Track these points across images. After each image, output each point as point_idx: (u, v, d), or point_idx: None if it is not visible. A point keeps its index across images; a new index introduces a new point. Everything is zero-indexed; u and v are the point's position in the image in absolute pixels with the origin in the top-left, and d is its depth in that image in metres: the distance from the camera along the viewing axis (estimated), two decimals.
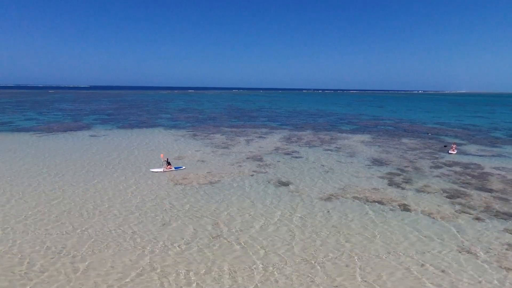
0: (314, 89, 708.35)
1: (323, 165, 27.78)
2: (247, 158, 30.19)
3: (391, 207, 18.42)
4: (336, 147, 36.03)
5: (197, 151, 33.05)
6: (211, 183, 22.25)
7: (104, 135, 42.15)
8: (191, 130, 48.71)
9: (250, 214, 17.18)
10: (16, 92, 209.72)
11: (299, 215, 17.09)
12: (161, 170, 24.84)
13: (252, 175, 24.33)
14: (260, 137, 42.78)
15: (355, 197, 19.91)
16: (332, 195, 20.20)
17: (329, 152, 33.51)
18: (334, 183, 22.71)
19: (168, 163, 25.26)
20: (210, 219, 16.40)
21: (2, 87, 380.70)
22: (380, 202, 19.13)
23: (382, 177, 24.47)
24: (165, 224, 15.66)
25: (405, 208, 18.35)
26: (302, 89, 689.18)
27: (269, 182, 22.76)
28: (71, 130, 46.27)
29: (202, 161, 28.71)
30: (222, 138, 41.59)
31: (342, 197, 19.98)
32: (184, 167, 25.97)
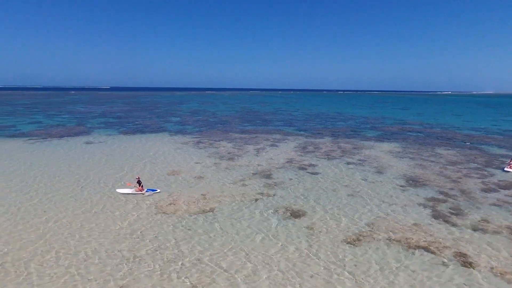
0: (334, 90, 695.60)
1: (345, 186, 22.60)
2: (254, 173, 25.40)
3: (444, 260, 13.14)
4: (360, 160, 30.63)
5: (197, 163, 28.56)
6: (203, 212, 17.59)
7: (100, 142, 38.46)
8: (197, 136, 44.43)
9: (242, 271, 12.37)
10: (37, 94, 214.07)
11: (314, 272, 12.12)
12: (130, 191, 20.22)
13: (256, 200, 19.51)
14: (272, 145, 37.89)
15: (390, 240, 14.73)
16: (360, 235, 15.09)
17: (352, 166, 28.20)
18: (361, 215, 17.55)
19: (139, 183, 20.40)
20: (183, 280, 11.71)
21: (27, 89, 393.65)
22: (427, 249, 13.88)
23: (422, 205, 19.09)
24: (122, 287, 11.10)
25: (465, 261, 13.02)
26: (321, 90, 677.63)
27: (276, 211, 17.87)
28: (69, 136, 42.96)
29: (200, 177, 24.17)
30: (229, 146, 36.99)
31: (373, 238, 14.84)
32: (159, 190, 20.77)
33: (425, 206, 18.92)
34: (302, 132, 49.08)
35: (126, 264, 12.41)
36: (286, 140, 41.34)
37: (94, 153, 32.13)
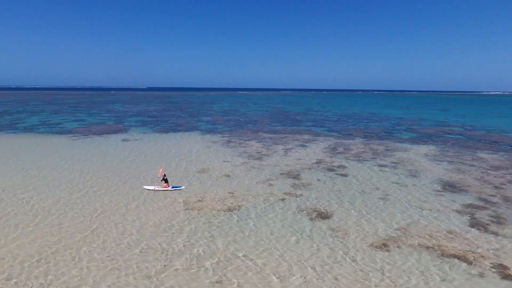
0: (369, 90, 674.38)
1: (376, 188, 21.87)
2: (281, 174, 25.33)
3: (481, 270, 12.31)
4: (393, 162, 29.47)
5: (225, 162, 29.02)
6: (229, 209, 17.85)
7: (135, 140, 40.30)
8: (227, 135, 45.13)
9: (265, 268, 12.39)
10: (82, 94, 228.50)
11: (337, 274, 11.87)
12: (153, 188, 20.76)
13: (282, 200, 19.46)
14: (301, 145, 37.55)
15: (423, 246, 14.04)
16: (389, 240, 14.54)
17: (384, 169, 27.22)
18: (392, 219, 16.90)
19: (165, 181, 21.03)
20: (212, 275, 11.95)
21: (73, 89, 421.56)
22: (462, 258, 13.07)
23: (459, 212, 17.99)
24: (150, 277, 11.58)
25: (506, 274, 12.10)
26: (356, 90, 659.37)
27: (302, 211, 17.70)
28: (107, 133, 45.46)
29: (228, 176, 24.53)
30: (258, 146, 37.17)
31: (404, 244, 14.23)
32: (184, 187, 21.29)
33: (462, 213, 17.82)
34: (332, 133, 48.14)
35: (165, 256, 12.89)
36: (315, 141, 40.77)
37: (131, 150, 33.73)
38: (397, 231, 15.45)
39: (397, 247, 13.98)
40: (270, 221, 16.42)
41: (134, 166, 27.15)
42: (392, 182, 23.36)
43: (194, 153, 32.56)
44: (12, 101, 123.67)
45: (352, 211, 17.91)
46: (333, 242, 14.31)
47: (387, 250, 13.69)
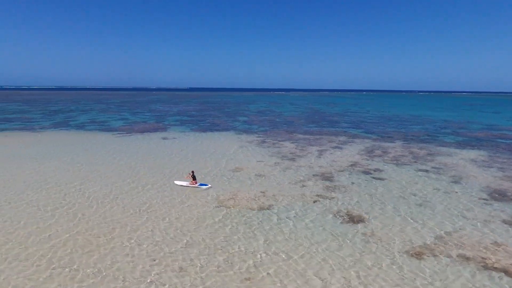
0: (413, 91, 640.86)
1: (414, 194, 20.89)
2: (315, 175, 25.08)
3: None
4: (435, 167, 27.91)
5: (259, 161, 29.32)
6: (260, 208, 18.08)
7: (174, 138, 42.04)
8: (261, 135, 45.50)
9: (293, 272, 12.41)
10: (126, 94, 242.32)
11: (372, 280, 11.58)
12: (185, 184, 21.92)
13: (314, 202, 19.29)
14: (336, 147, 36.83)
15: (464, 257, 13.21)
16: (427, 249, 13.87)
17: (424, 174, 25.89)
18: (430, 227, 16.07)
19: (193, 178, 21.91)
20: (241, 274, 12.22)
21: (119, 89, 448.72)
22: (508, 273, 12.12)
23: (508, 222, 16.65)
24: (182, 269, 12.12)
25: None
26: (399, 91, 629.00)
27: (335, 214, 17.43)
28: (148, 132, 47.90)
29: (261, 175, 24.79)
30: (292, 146, 37.06)
31: (443, 254, 13.49)
32: (209, 185, 21.90)
33: (511, 224, 16.46)
34: (370, 135, 46.58)
35: (208, 250, 13.42)
36: (351, 143, 39.75)
37: (170, 148, 35.33)
38: (436, 240, 14.68)
39: (435, 256, 13.29)
40: (300, 221, 16.38)
41: (173, 163, 28.38)
42: (434, 188, 22.15)
43: (229, 153, 33.27)
44: (65, 100, 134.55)
45: (387, 216, 17.30)
46: (365, 247, 13.95)
47: (423, 259, 13.07)
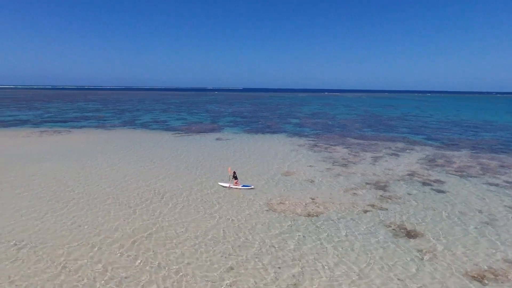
0: (488, 92, 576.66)
1: (479, 211, 19.15)
2: (367, 183, 24.30)
3: None
4: (508, 182, 25.15)
5: (310, 166, 29.24)
6: (309, 215, 18.15)
7: (227, 139, 43.70)
8: (313, 139, 45.10)
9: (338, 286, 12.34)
10: (185, 94, 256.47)
11: None
12: (227, 185, 22.64)
13: (366, 212, 18.77)
14: (392, 154, 35.07)
15: None
16: (489, 272, 12.76)
17: (493, 188, 23.52)
18: (497, 248, 14.69)
19: (235, 177, 22.63)
20: (288, 278, 12.53)
21: (180, 89, 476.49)
22: None
23: None
24: (231, 268, 12.83)
25: None
26: (470, 92, 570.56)
27: (387, 227, 16.80)
28: (204, 132, 50.43)
29: (311, 181, 24.75)
30: (345, 152, 36.18)
31: (508, 280, 12.30)
32: (252, 187, 22.60)
33: None
34: (432, 142, 43.36)
35: (281, 261, 13.58)
36: (410, 150, 37.47)
37: (222, 149, 36.91)
38: (501, 264, 13.40)
39: (498, 281, 12.18)
40: (350, 232, 16.11)
41: (225, 165, 29.67)
42: (504, 206, 20.06)
43: (280, 156, 33.68)
44: (132, 100, 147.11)
45: (447, 233, 16.18)
46: (420, 265, 13.29)
47: (485, 283, 12.08)
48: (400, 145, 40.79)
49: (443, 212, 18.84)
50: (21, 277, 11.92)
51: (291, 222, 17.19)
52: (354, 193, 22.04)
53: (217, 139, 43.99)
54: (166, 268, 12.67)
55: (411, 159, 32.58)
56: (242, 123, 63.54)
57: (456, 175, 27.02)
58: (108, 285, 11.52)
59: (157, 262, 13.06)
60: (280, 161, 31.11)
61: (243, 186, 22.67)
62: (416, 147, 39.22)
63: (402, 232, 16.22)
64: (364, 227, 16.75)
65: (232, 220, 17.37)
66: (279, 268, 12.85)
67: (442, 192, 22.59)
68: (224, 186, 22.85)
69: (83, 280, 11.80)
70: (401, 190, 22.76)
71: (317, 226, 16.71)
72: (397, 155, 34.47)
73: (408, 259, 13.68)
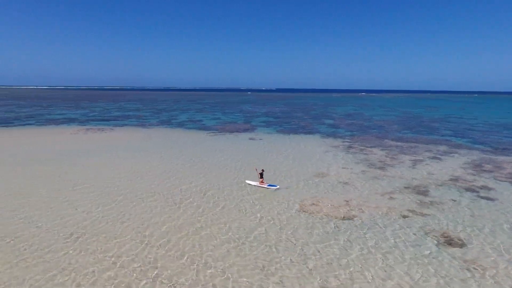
0: None
1: None
2: (406, 187, 23.20)
3: None
4: None
5: (344, 168, 28.49)
6: (343, 218, 17.67)
7: (260, 139, 43.84)
8: (348, 140, 43.92)
9: None
10: (219, 94, 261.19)
11: None
12: (255, 184, 22.91)
13: (404, 217, 17.91)
14: (434, 157, 33.18)
15: None
16: None
17: None
18: None
19: (261, 175, 22.74)
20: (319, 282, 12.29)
21: (214, 90, 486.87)
22: None
23: None
24: (264, 268, 12.82)
25: None
26: None
27: (427, 234, 15.89)
28: (237, 132, 51.02)
29: (345, 183, 24.10)
30: (381, 154, 34.83)
31: None
32: (278, 187, 22.38)
33: None
34: (478, 146, 40.43)
35: (310, 253, 13.96)
36: (454, 154, 35.22)
37: (254, 149, 37.12)
38: None
39: None
40: (386, 238, 15.46)
41: (259, 164, 29.79)
42: None
43: (313, 157, 33.18)
44: (168, 100, 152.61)
45: (494, 244, 14.97)
46: (464, 276, 12.42)
47: None
48: (442, 148, 38.49)
49: (491, 221, 17.45)
50: (79, 266, 12.71)
51: (333, 225, 16.80)
52: (391, 197, 21.13)
53: (250, 138, 44.31)
54: (213, 267, 12.72)
55: (455, 164, 30.60)
56: (275, 123, 63.46)
57: (506, 181, 24.94)
58: (158, 280, 11.94)
59: (203, 260, 13.19)
60: (314, 162, 30.63)
61: (268, 185, 22.66)
62: (461, 151, 36.78)
63: (443, 240, 15.26)
64: (402, 233, 15.97)
65: (273, 221, 17.24)
66: (325, 272, 12.52)
67: (490, 199, 20.96)
68: (251, 185, 23.05)
69: (133, 273, 12.20)
70: (443, 196, 21.44)
71: (349, 229, 16.21)
72: (439, 159, 32.54)
73: (451, 270, 12.83)
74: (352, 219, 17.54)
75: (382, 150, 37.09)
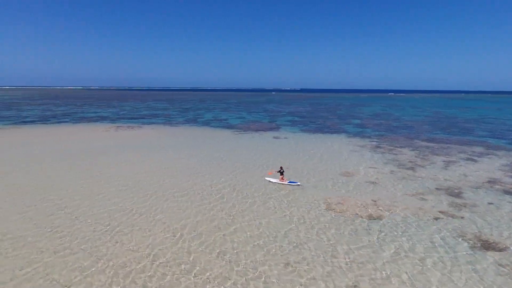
0: None
1: None
2: (438, 189, 22.20)
3: None
4: None
5: (371, 168, 27.72)
6: (370, 217, 17.18)
7: (285, 138, 43.64)
8: (375, 140, 42.71)
9: None
10: (243, 94, 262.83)
11: None
12: (275, 180, 23.00)
13: (436, 219, 17.14)
14: (468, 159, 31.53)
15: None
16: None
17: None
18: None
19: (281, 173, 22.71)
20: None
21: (239, 90, 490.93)
22: None
23: None
24: (288, 264, 12.72)
25: None
26: None
27: (462, 237, 15.11)
28: (262, 130, 51.07)
29: (373, 182, 23.44)
30: (411, 154, 33.56)
31: None
32: (299, 183, 22.31)
33: None
34: None
35: (343, 254, 13.92)
36: (490, 155, 33.28)
37: (278, 148, 37.00)
38: None
39: None
40: (418, 239, 14.85)
41: (284, 163, 29.65)
42: None
43: (339, 155, 32.56)
44: (194, 100, 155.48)
45: None
46: (504, 282, 11.69)
47: None
48: (478, 149, 36.48)
49: None
50: (115, 256, 13.27)
51: (363, 225, 16.41)
52: (422, 198, 20.29)
53: (275, 137, 44.20)
54: (244, 263, 12.71)
55: (491, 165, 28.91)
56: (300, 123, 62.92)
57: None
58: (192, 272, 12.23)
59: (235, 256, 13.21)
60: (341, 161, 30.04)
61: (289, 182, 22.62)
62: (498, 152, 34.69)
63: (479, 243, 14.44)
64: (434, 235, 15.27)
65: (302, 219, 17.05)
66: (359, 273, 12.21)
67: None
68: (271, 181, 23.12)
69: (166, 265, 12.51)
70: (479, 198, 20.31)
71: (377, 230, 15.73)
72: (474, 160, 30.87)
73: (488, 274, 12.12)
74: (381, 219, 17.03)
75: (412, 150, 35.74)
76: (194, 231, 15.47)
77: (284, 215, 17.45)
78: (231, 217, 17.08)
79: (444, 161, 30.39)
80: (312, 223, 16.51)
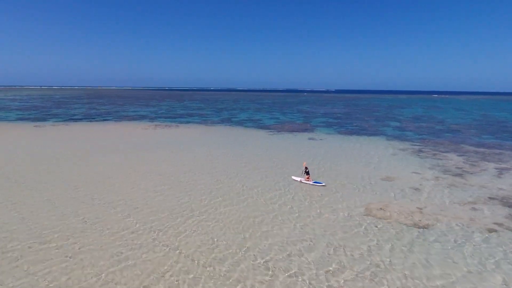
0: None
1: None
2: (491, 198, 20.42)
3: None
4: None
5: (414, 173, 26.20)
6: (415, 225, 16.12)
7: (320, 139, 42.68)
8: (417, 143, 40.46)
9: None
10: (277, 95, 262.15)
11: None
12: (299, 179, 22.70)
13: (490, 231, 15.69)
14: None
15: None
16: None
17: None
18: None
19: (307, 173, 22.22)
20: None
21: (272, 90, 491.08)
22: None
23: None
24: (335, 273, 12.21)
25: None
26: None
27: None
28: (296, 131, 50.40)
29: (416, 189, 22.09)
30: (458, 160, 31.32)
31: None
32: (324, 184, 21.85)
33: None
34: None
35: (371, 256, 13.45)
36: None
37: (314, 149, 36.19)
38: None
39: None
40: (472, 253, 13.65)
41: (320, 165, 28.92)
42: None
43: (378, 159, 31.19)
44: (228, 100, 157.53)
45: None
46: None
47: None
48: None
49: None
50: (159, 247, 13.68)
51: (410, 234, 15.50)
52: (473, 208, 18.74)
53: (310, 138, 43.40)
54: (286, 264, 12.62)
55: None
56: (335, 124, 61.36)
57: None
58: (226, 282, 12.29)
59: (286, 267, 13.06)
60: (379, 165, 28.73)
61: (314, 182, 22.27)
62: None
63: None
64: (491, 249, 13.94)
65: (342, 223, 16.54)
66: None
67: None
68: (296, 180, 23.04)
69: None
70: None
71: (426, 241, 14.68)
72: None
73: None
74: (427, 228, 15.91)
75: (459, 155, 33.37)
76: (234, 237, 15.44)
77: (324, 218, 16.86)
78: (271, 216, 16.84)
79: (496, 168, 28.00)
80: (353, 228, 15.79)
